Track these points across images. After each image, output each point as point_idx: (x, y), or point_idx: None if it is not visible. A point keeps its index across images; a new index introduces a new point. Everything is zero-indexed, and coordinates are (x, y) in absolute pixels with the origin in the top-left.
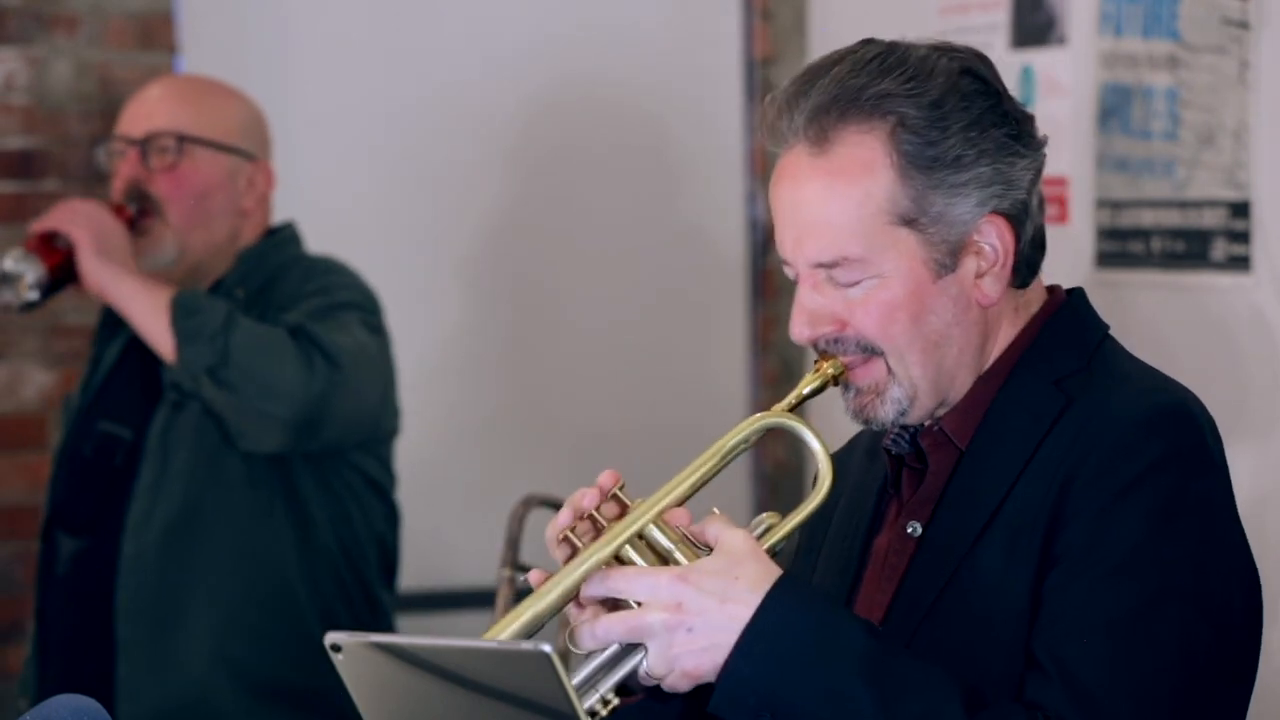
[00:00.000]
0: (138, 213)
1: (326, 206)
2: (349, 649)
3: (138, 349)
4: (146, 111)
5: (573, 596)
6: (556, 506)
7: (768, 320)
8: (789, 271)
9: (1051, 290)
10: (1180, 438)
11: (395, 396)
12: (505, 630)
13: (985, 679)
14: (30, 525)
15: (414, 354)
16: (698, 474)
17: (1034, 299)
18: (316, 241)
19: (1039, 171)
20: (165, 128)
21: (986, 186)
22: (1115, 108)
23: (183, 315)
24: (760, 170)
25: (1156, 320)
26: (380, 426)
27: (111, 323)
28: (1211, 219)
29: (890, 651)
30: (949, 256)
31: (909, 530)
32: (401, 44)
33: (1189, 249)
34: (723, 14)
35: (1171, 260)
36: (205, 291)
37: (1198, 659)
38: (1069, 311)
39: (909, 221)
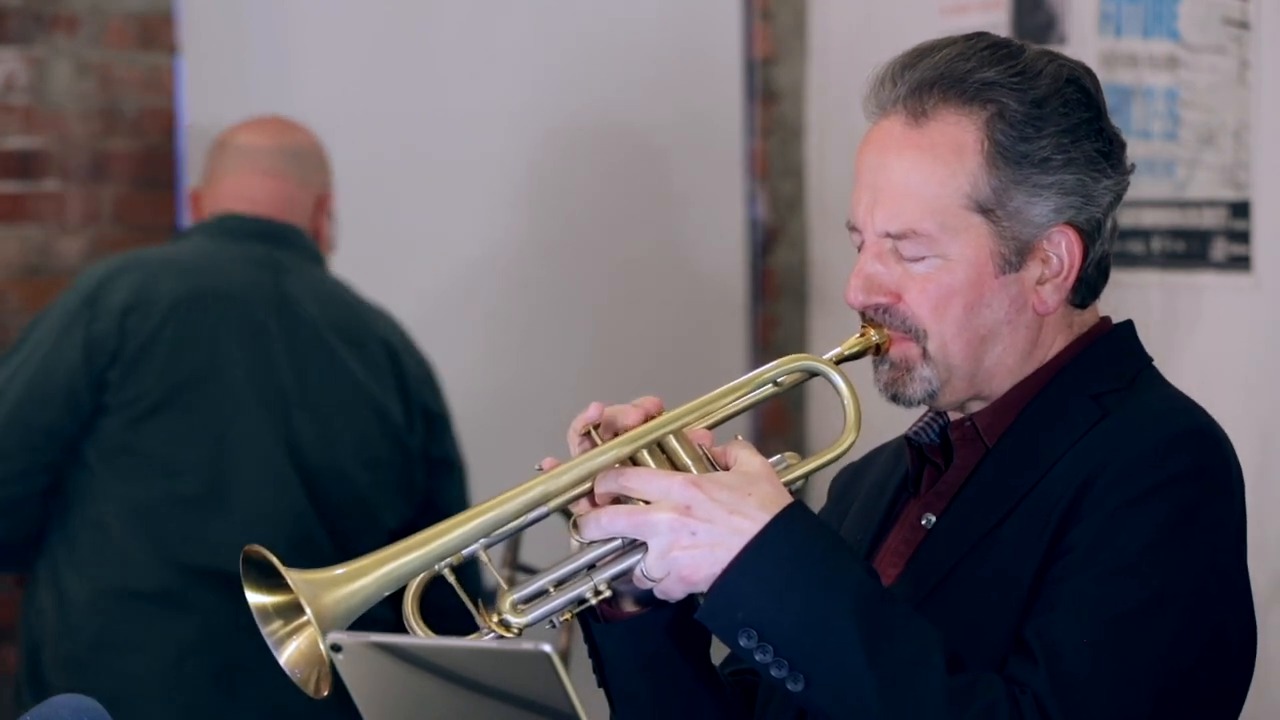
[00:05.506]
0: None
1: None
2: (349, 649)
3: None
4: None
5: (583, 485)
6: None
7: (768, 320)
8: (855, 239)
9: (1104, 318)
10: (1205, 458)
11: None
12: (510, 503)
13: (976, 665)
14: None
15: None
16: (725, 399)
17: (1087, 320)
18: None
19: (1120, 196)
20: None
21: (1067, 195)
22: (1115, 108)
23: None
24: (760, 170)
25: (1156, 320)
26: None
27: None
28: (1211, 219)
29: (887, 597)
30: (1016, 255)
31: (923, 522)
32: (401, 43)
33: (1189, 249)
34: (723, 14)
35: (1171, 260)
36: None
37: (1182, 671)
38: (1117, 338)
39: (985, 211)
